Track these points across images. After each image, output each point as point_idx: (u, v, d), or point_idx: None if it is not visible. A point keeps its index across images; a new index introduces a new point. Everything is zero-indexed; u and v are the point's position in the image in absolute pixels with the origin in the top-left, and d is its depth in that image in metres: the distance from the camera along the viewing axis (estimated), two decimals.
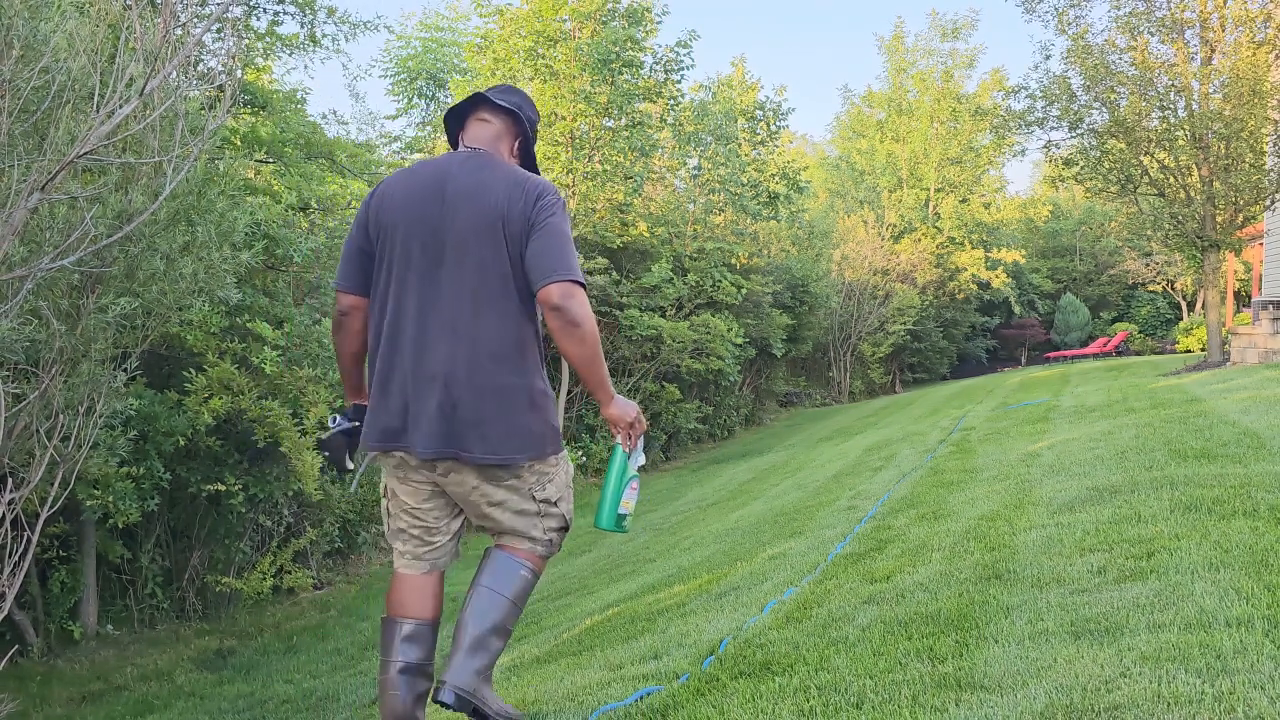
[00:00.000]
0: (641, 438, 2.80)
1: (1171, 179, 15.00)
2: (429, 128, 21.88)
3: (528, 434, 2.63)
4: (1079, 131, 15.58)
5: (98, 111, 3.59)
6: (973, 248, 31.21)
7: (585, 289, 2.54)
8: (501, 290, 2.57)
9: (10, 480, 3.86)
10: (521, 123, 2.85)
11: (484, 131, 2.82)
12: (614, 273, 16.71)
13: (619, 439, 2.75)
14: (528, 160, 2.90)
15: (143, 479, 7.36)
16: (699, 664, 3.15)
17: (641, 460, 2.85)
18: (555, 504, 2.78)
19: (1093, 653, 2.56)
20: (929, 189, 31.99)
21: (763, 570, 4.96)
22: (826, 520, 6.22)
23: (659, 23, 18.54)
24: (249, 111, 9.39)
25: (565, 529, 2.84)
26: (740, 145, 21.18)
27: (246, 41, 9.46)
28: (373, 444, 2.70)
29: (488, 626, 2.69)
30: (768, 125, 22.57)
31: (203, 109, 5.80)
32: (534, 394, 2.63)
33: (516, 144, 2.86)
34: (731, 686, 2.85)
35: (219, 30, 8.07)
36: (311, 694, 6.44)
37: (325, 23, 9.90)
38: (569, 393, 15.88)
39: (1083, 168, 15.67)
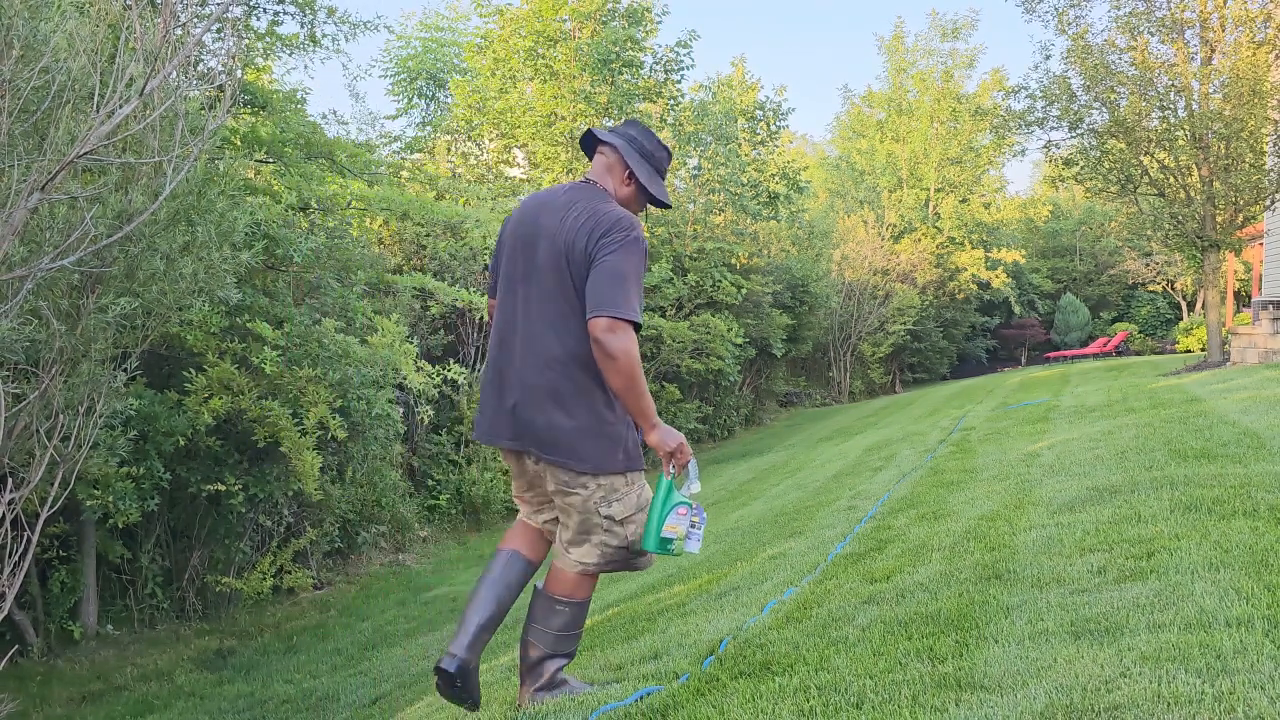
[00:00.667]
0: (693, 465, 2.92)
1: (1171, 179, 15.00)
2: (429, 128, 21.86)
3: (582, 441, 2.83)
4: (1079, 131, 15.57)
5: (98, 111, 3.59)
6: (973, 248, 31.19)
7: (633, 324, 2.71)
8: (565, 311, 2.81)
9: (10, 480, 3.87)
10: (625, 153, 2.99)
11: (598, 163, 3.06)
12: None
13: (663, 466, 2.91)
14: (643, 190, 3.04)
15: (143, 479, 7.36)
16: (699, 664, 3.15)
17: (695, 488, 2.96)
18: (620, 523, 2.92)
19: (1093, 653, 2.56)
20: (929, 189, 31.98)
21: (763, 570, 4.96)
22: (826, 520, 6.22)
23: (659, 23, 18.54)
24: (249, 111, 9.38)
25: (626, 548, 2.96)
26: (740, 145, 21.18)
27: (246, 41, 9.45)
28: (475, 436, 3.10)
29: (537, 656, 3.04)
30: (768, 125, 22.57)
31: (203, 109, 5.80)
32: (594, 408, 2.83)
33: (627, 174, 3.02)
34: (731, 686, 2.85)
35: (219, 30, 8.07)
36: (311, 694, 6.45)
37: (325, 23, 9.88)
38: None
39: (1083, 168, 15.66)
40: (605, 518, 2.89)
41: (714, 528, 7.95)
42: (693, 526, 3.01)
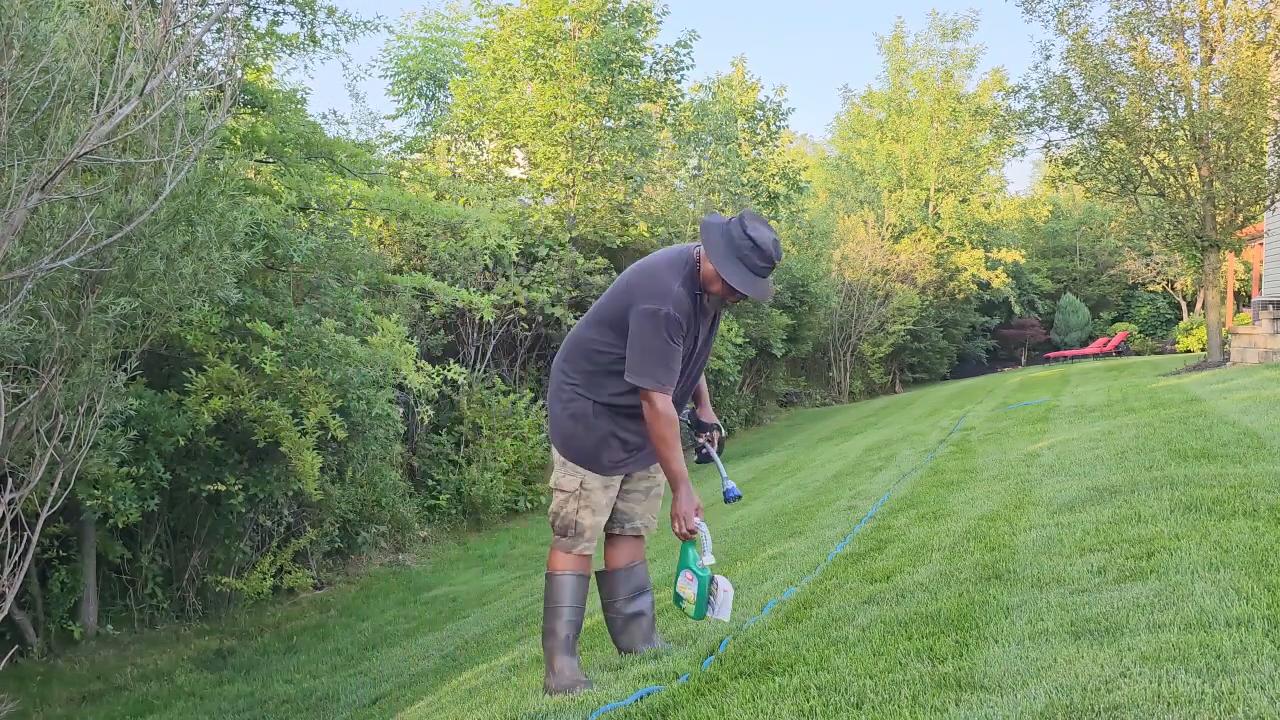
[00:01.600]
0: (706, 537, 3.24)
1: (1171, 179, 14.99)
2: (429, 128, 21.84)
3: (552, 417, 3.41)
4: (1079, 131, 15.56)
5: (98, 111, 3.59)
6: (973, 248, 31.16)
7: (661, 389, 3.16)
8: (595, 328, 3.33)
9: (10, 480, 3.86)
10: (702, 231, 3.28)
11: None
12: (614, 273, 16.71)
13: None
14: (710, 269, 3.24)
15: (143, 479, 7.36)
16: (699, 664, 3.15)
17: (706, 560, 3.24)
18: (553, 489, 3.41)
19: (1093, 653, 2.56)
20: (929, 189, 31.95)
21: (763, 570, 4.96)
22: (826, 520, 6.22)
23: (659, 23, 18.53)
24: (249, 111, 9.37)
25: (550, 516, 3.42)
26: (740, 145, 21.16)
27: (246, 41, 9.44)
28: None
29: (542, 630, 3.45)
30: (768, 125, 22.55)
31: (203, 109, 5.80)
32: (571, 402, 3.34)
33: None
34: (731, 686, 2.86)
35: (219, 30, 8.07)
36: (311, 694, 6.45)
37: (325, 23, 9.86)
38: None
39: (1083, 168, 15.65)
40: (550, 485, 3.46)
41: (714, 528, 7.93)
42: (711, 595, 3.23)
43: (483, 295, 11.80)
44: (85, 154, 3.54)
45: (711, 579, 3.24)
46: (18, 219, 3.53)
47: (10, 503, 3.39)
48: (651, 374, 3.16)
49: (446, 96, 21.21)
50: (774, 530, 6.58)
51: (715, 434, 3.54)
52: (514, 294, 14.40)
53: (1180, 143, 14.60)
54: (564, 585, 3.36)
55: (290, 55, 10.19)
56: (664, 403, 3.18)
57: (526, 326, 15.26)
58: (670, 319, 3.15)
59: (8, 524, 3.30)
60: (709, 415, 3.57)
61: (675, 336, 3.18)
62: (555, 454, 3.41)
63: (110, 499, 6.99)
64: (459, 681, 4.88)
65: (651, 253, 3.42)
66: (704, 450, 3.50)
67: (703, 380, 3.55)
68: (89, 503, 6.97)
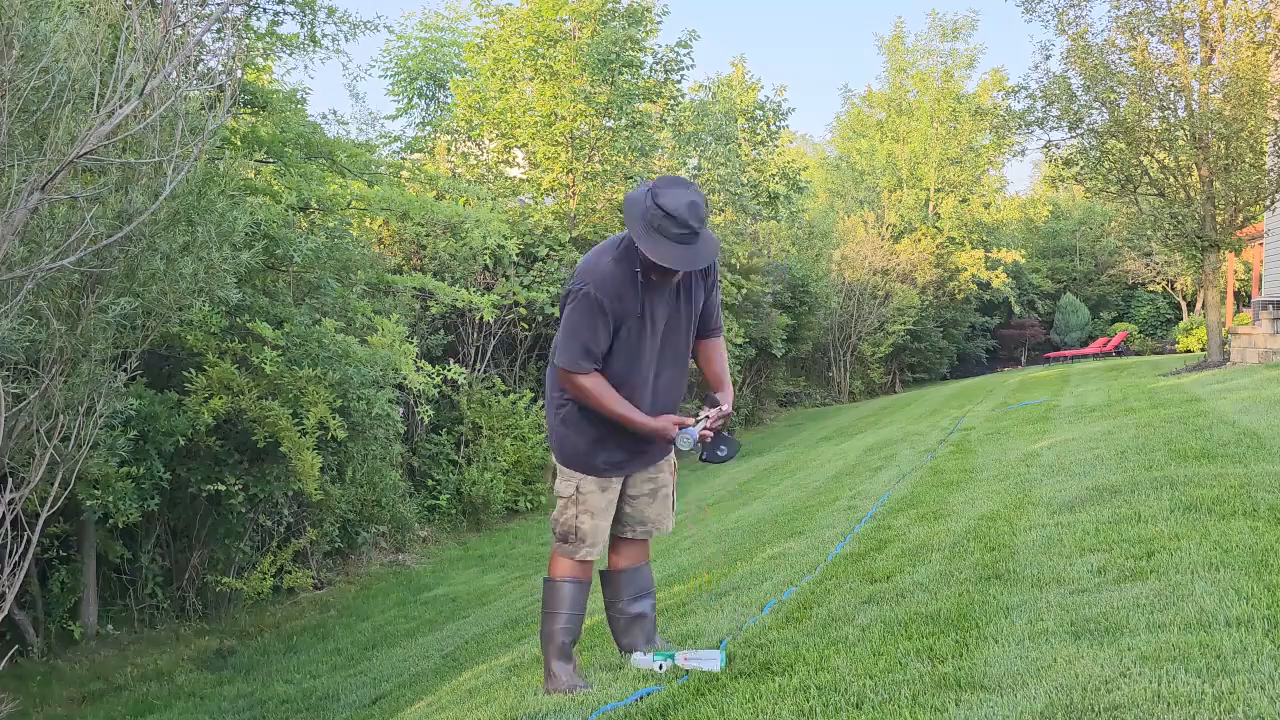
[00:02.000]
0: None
1: (1171, 179, 14.98)
2: (429, 128, 21.83)
3: (550, 429, 3.42)
4: (1079, 131, 15.55)
5: (98, 111, 3.60)
6: (973, 248, 31.17)
7: (577, 370, 3.09)
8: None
9: (10, 480, 3.87)
10: (624, 208, 3.15)
11: None
12: None
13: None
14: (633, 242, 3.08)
15: (143, 479, 7.36)
16: None
17: (716, 664, 3.05)
18: (556, 498, 3.37)
19: (1093, 653, 2.56)
20: (929, 189, 31.95)
21: (763, 570, 4.96)
22: (826, 520, 6.22)
23: (659, 23, 18.53)
24: (249, 111, 9.37)
25: (554, 528, 3.38)
26: (740, 145, 21.13)
27: (246, 41, 9.43)
28: None
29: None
30: (767, 125, 22.53)
31: (203, 109, 5.80)
32: (552, 409, 3.36)
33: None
34: (731, 686, 2.86)
35: (219, 30, 8.06)
36: (311, 694, 6.45)
37: (325, 23, 9.84)
38: None
39: (1083, 168, 15.65)
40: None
41: (714, 527, 7.95)
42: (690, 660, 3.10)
43: (483, 295, 11.80)
44: (85, 154, 3.54)
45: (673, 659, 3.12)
46: (18, 219, 3.53)
47: (10, 503, 3.39)
48: (568, 354, 3.07)
49: (446, 96, 21.20)
50: (774, 530, 6.58)
51: (717, 410, 3.23)
52: (514, 294, 14.40)
53: (1180, 143, 14.59)
54: (561, 591, 3.32)
55: (290, 55, 10.18)
56: (588, 380, 3.08)
57: (526, 326, 15.26)
58: (589, 298, 3.02)
59: (8, 524, 3.30)
60: (725, 398, 3.29)
61: (594, 316, 3.03)
62: (555, 461, 3.44)
63: (110, 499, 6.99)
64: (459, 681, 4.88)
65: None
66: (704, 428, 3.19)
67: (724, 368, 3.36)
68: (89, 503, 6.96)
